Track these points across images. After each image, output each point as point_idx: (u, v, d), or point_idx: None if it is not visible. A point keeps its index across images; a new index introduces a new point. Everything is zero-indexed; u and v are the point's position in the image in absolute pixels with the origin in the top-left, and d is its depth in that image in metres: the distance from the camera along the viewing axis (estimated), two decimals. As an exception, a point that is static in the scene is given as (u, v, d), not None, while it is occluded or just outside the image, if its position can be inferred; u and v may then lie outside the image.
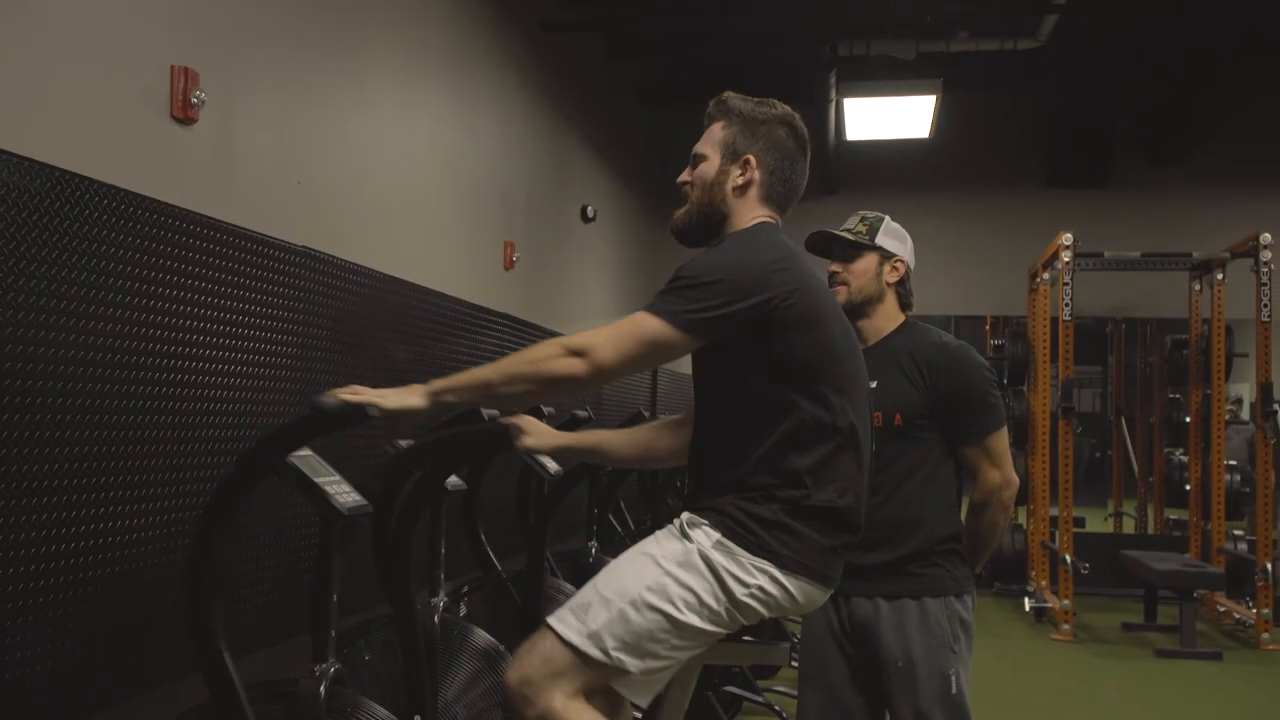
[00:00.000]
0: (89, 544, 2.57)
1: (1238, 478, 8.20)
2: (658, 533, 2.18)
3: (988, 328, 11.08)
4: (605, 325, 2.13)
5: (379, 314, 4.11)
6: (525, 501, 3.98)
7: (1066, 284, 7.41)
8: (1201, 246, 8.10)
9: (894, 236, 2.83)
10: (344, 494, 2.14)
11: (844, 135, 8.11)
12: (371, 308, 4.04)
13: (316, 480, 2.11)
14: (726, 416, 2.19)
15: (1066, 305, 7.43)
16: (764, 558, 2.07)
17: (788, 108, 2.38)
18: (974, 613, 2.72)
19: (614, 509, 4.78)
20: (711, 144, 2.34)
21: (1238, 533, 8.14)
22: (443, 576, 2.99)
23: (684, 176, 2.38)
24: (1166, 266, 8.30)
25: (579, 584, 3.77)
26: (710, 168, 2.33)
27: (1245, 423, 9.53)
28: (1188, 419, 8.72)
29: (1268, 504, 7.33)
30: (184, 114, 2.90)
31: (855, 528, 2.21)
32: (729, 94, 2.37)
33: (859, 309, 2.77)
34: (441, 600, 2.94)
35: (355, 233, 3.95)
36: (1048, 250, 7.83)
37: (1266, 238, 7.29)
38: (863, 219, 2.82)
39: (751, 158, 2.29)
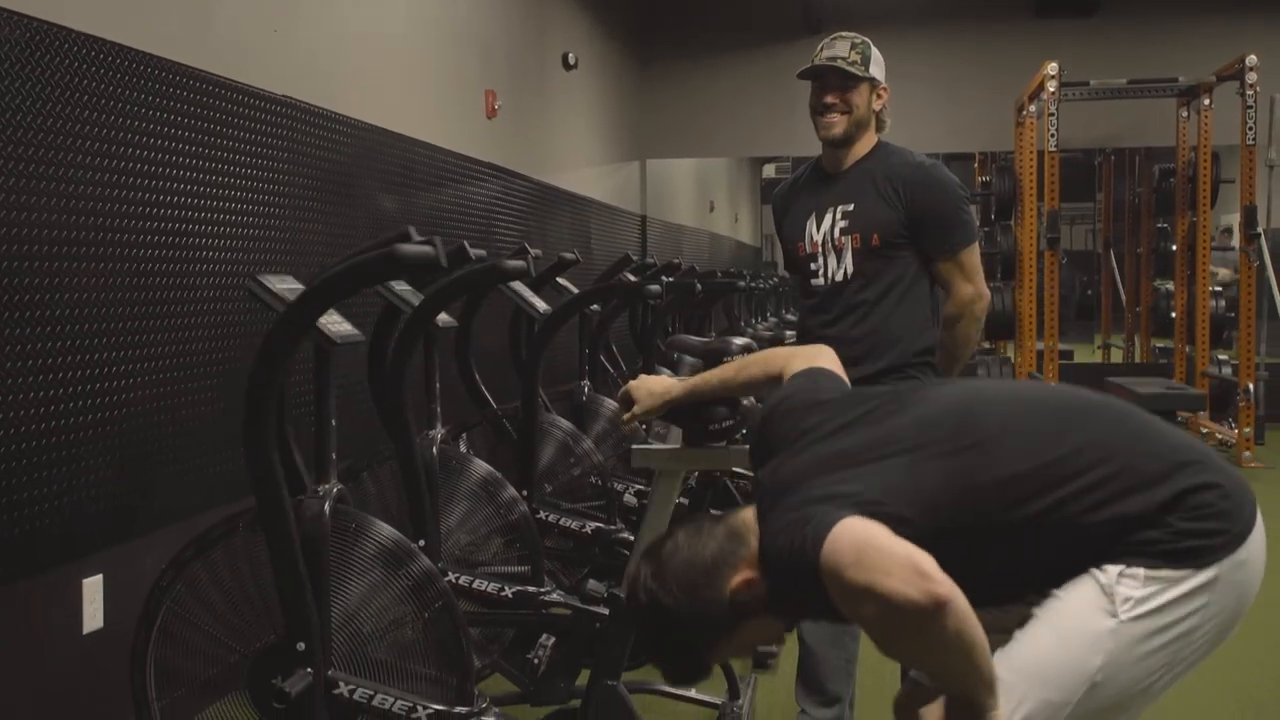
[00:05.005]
0: (92, 386, 2.67)
1: (1223, 303, 8.31)
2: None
3: (976, 164, 11.06)
4: None
5: (365, 164, 4.14)
6: (518, 341, 4.08)
7: (1052, 115, 7.39)
8: (1190, 72, 8.04)
9: (878, 64, 2.85)
10: (336, 324, 2.22)
11: (827, -29, 7.99)
12: (357, 158, 4.07)
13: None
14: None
15: (1052, 136, 7.42)
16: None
17: None
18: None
19: (605, 350, 4.88)
20: None
21: (1223, 357, 8.29)
22: (439, 410, 3.09)
23: None
24: (1153, 93, 8.25)
25: (574, 420, 3.90)
26: None
27: (1232, 248, 9.58)
28: (1175, 248, 8.79)
29: (1250, 326, 7.45)
30: (154, -39, 2.89)
31: None
32: None
33: (851, 138, 2.82)
34: (439, 433, 3.05)
35: (335, 83, 3.96)
36: (1033, 81, 7.78)
37: (1253, 59, 7.23)
38: (853, 45, 2.80)
39: None
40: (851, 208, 2.78)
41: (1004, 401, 1.66)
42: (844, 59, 2.78)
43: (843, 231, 2.78)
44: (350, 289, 2.00)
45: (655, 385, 2.21)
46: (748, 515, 1.66)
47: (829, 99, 2.80)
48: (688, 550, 1.63)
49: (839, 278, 2.79)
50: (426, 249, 1.91)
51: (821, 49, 2.81)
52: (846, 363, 2.74)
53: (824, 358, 1.98)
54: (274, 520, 2.06)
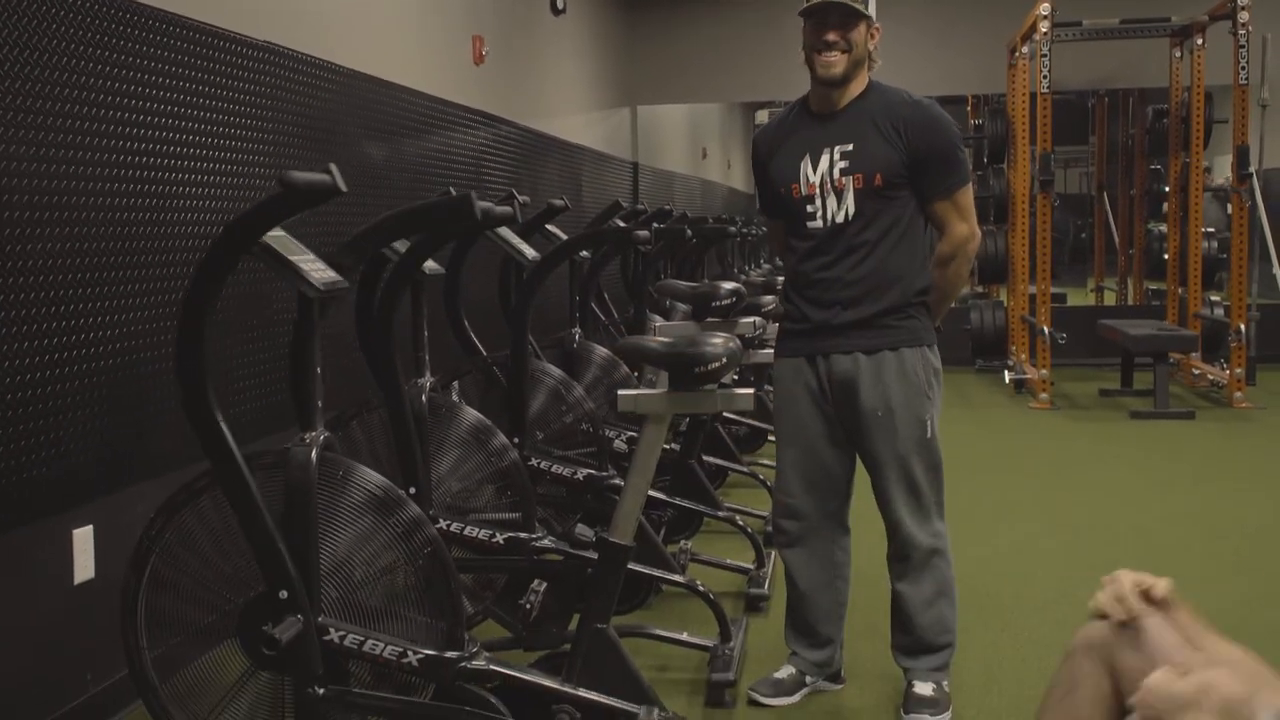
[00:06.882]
0: (77, 338, 2.65)
1: (1215, 244, 8.29)
2: None
3: (969, 107, 10.99)
4: None
5: (350, 112, 4.09)
6: (507, 289, 4.05)
7: (1044, 56, 7.33)
8: (1182, 11, 7.96)
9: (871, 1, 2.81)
10: (319, 271, 2.19)
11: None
12: (342, 105, 4.02)
13: (290, 258, 2.15)
14: None
15: (1044, 78, 7.37)
16: None
17: None
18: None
19: (597, 299, 4.85)
20: None
21: (1215, 299, 8.29)
22: (428, 358, 3.07)
23: None
24: (1146, 33, 8.18)
25: (565, 368, 3.89)
26: None
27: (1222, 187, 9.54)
28: (1168, 189, 8.75)
29: (1243, 266, 7.44)
30: (129, -97, 2.83)
31: None
32: None
33: (849, 77, 2.77)
34: (428, 380, 3.03)
35: (319, 29, 3.89)
36: (1026, 22, 7.71)
37: (1245, -3, 7.17)
38: None
39: None
40: (851, 148, 2.75)
41: None
42: None
43: (843, 172, 2.74)
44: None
45: None
46: None
47: (830, 36, 2.73)
48: None
49: (839, 219, 2.76)
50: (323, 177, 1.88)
51: None
52: (846, 304, 2.75)
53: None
54: (232, 476, 2.06)
